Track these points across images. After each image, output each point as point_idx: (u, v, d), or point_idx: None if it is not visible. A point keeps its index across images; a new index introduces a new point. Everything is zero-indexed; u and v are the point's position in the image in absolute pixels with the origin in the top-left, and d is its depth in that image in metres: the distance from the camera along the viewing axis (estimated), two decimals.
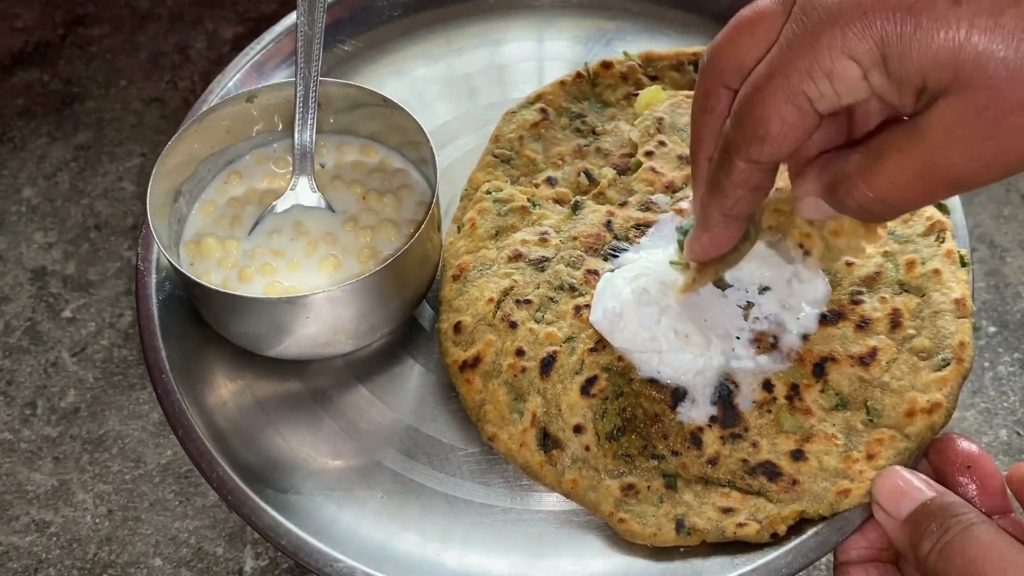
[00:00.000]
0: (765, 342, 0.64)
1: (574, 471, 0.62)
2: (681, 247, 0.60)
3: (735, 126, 0.47)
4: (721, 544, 0.60)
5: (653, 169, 0.73)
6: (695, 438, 0.62)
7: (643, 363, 0.63)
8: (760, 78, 0.45)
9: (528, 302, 0.67)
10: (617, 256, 0.69)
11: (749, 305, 0.65)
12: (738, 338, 0.64)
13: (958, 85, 0.41)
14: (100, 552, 0.81)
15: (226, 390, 0.69)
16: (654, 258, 0.66)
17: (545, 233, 0.71)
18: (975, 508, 0.51)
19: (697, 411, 0.62)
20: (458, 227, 0.74)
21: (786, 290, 0.64)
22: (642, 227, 0.70)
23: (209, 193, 0.72)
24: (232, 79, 0.81)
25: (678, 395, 0.63)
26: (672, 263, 0.63)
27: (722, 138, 0.49)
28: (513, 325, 0.67)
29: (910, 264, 0.66)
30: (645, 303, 0.62)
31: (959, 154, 0.42)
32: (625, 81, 0.79)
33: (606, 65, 0.79)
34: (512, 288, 0.68)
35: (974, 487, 0.56)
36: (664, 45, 0.84)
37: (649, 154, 0.74)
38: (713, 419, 0.62)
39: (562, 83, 0.79)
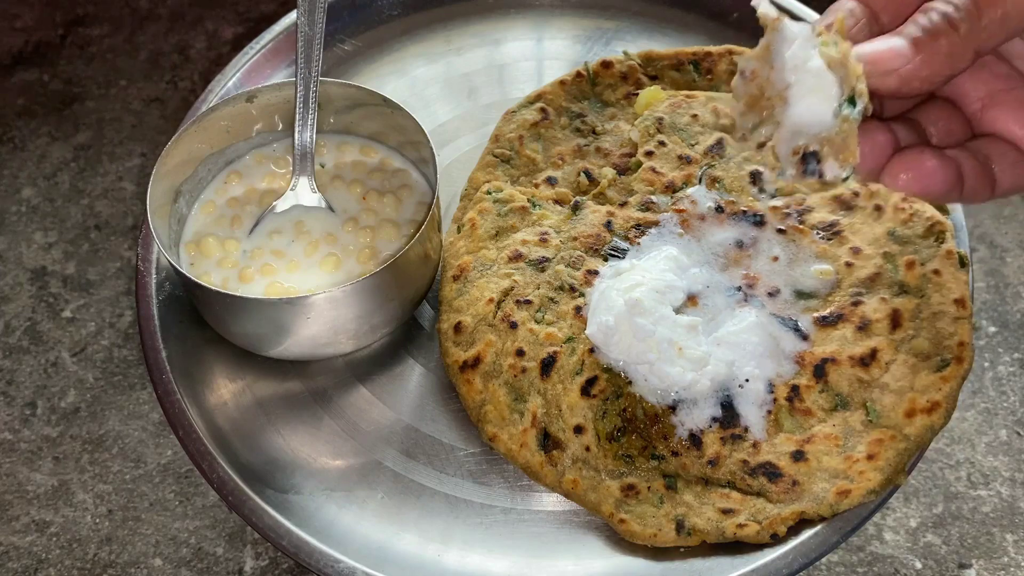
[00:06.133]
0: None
1: (574, 471, 0.62)
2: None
3: None
4: (721, 544, 0.60)
5: (653, 169, 0.73)
6: (695, 439, 0.62)
7: (637, 376, 0.63)
8: None
9: (528, 302, 0.67)
10: (618, 256, 0.69)
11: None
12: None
13: None
14: (100, 552, 0.81)
15: (226, 390, 0.69)
16: (648, 267, 0.66)
17: (545, 233, 0.71)
18: None
19: (697, 414, 0.62)
20: (458, 227, 0.74)
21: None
22: (642, 227, 0.70)
23: (209, 193, 0.72)
24: (232, 79, 0.81)
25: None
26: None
27: None
28: (513, 325, 0.66)
29: (910, 265, 0.66)
30: (639, 314, 0.61)
31: None
32: (625, 81, 0.79)
33: (606, 65, 0.79)
34: (512, 288, 0.68)
35: None
36: (664, 45, 0.84)
37: (649, 154, 0.74)
38: (714, 420, 0.62)
39: (562, 83, 0.79)
